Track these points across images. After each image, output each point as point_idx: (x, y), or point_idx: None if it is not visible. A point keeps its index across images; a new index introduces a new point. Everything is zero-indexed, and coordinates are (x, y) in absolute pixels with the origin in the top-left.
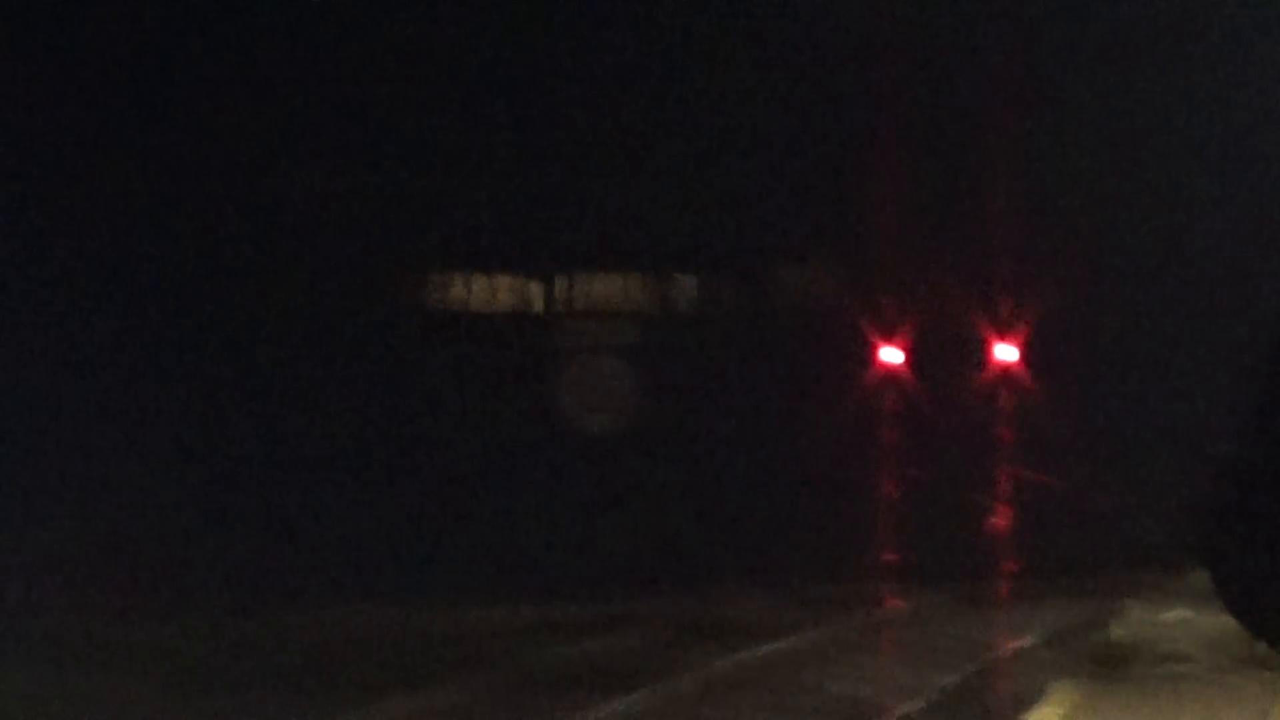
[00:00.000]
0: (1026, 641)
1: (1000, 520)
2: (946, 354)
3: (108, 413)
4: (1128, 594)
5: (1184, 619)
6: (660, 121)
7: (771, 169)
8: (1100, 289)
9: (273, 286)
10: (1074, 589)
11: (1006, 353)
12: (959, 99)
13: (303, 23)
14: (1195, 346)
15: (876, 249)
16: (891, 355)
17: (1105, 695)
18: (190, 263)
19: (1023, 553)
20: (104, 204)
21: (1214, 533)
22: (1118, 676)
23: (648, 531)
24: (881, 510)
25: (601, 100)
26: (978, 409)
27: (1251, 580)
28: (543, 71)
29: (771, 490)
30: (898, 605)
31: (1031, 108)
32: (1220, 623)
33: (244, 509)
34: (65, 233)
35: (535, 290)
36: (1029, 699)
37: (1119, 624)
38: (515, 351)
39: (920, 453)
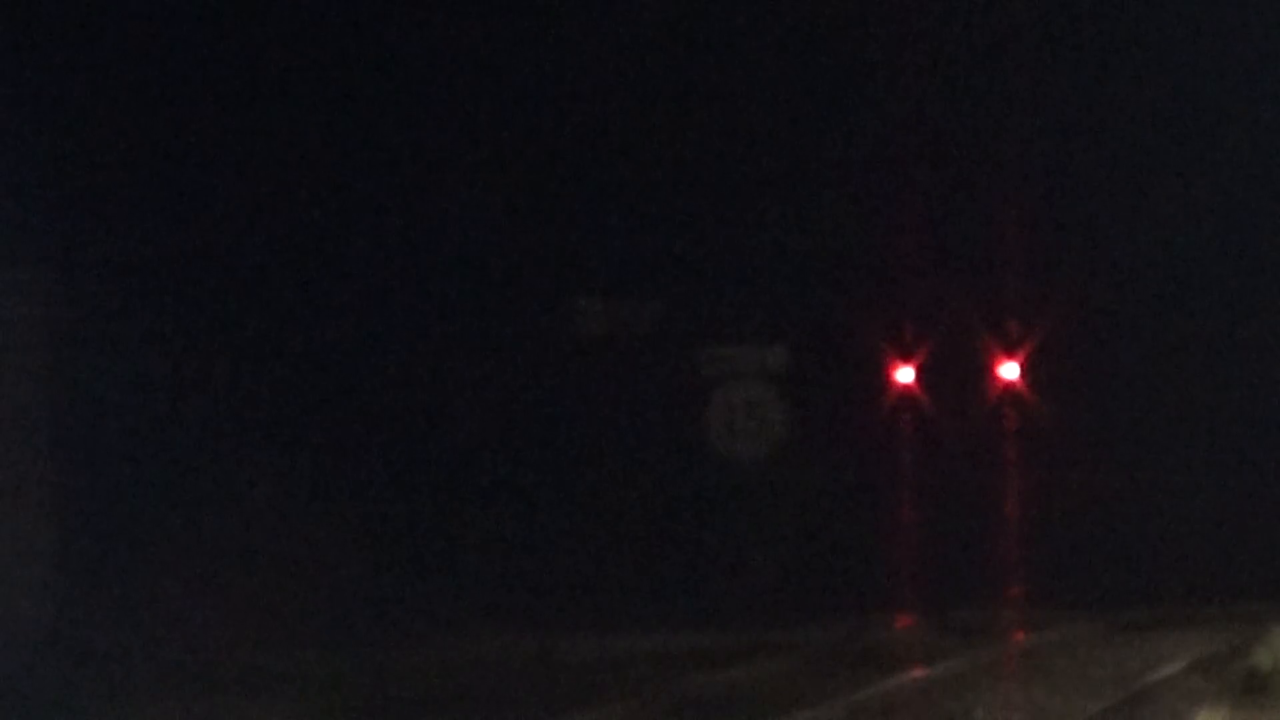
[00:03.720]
0: (1172, 669)
1: (1139, 546)
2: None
3: (252, 442)
4: (1273, 620)
5: None
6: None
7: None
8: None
9: (415, 307)
10: (1218, 615)
11: (1010, 371)
12: (969, 115)
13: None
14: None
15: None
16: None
17: None
18: (327, 283)
19: (1163, 578)
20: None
21: None
22: (1263, 704)
23: (795, 561)
24: (1020, 535)
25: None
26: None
27: None
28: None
29: (911, 518)
30: (1044, 632)
31: (1042, 121)
32: None
33: (391, 538)
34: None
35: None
36: None
37: (1264, 650)
38: (659, 377)
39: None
